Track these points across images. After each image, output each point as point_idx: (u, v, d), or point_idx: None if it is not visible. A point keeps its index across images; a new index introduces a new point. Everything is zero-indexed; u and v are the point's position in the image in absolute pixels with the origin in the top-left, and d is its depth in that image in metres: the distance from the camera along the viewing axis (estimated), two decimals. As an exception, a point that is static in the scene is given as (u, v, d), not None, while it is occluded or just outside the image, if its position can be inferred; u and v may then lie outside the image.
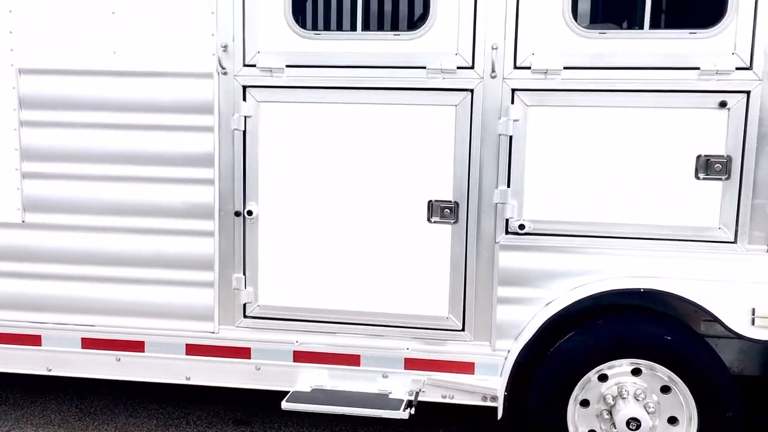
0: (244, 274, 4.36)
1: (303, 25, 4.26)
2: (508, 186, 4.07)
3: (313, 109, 4.18)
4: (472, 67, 4.04)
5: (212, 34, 4.22)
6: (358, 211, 4.22)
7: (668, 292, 3.92)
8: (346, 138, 4.18)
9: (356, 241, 4.23)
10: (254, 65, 4.21)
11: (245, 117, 4.24)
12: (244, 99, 4.23)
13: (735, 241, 3.95)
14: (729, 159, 3.86)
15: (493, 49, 3.98)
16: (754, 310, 3.90)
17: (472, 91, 4.04)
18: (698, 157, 3.91)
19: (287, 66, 4.18)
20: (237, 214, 4.31)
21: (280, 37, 4.17)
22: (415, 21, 4.20)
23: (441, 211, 4.14)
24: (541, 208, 4.07)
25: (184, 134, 4.28)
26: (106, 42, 4.31)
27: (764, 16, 3.79)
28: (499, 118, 4.04)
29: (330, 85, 4.17)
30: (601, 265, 4.00)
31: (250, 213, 4.27)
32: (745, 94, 3.84)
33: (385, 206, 4.19)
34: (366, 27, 4.21)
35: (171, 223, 4.37)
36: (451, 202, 4.13)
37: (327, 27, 4.71)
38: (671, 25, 3.90)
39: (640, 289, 3.97)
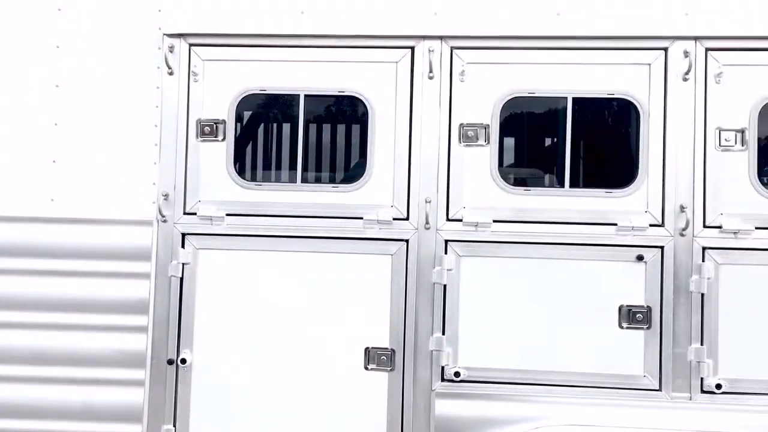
0: (175, 426, 3.83)
1: (244, 176, 3.99)
2: (443, 333, 3.82)
3: (252, 256, 3.90)
4: (407, 219, 3.82)
5: (153, 183, 3.89)
6: (295, 359, 3.92)
7: (600, 441, 3.62)
8: (284, 285, 3.91)
9: (293, 389, 3.89)
10: (194, 213, 3.87)
11: (183, 264, 3.85)
12: (183, 246, 3.85)
13: (660, 389, 3.68)
14: (649, 309, 3.71)
15: (426, 202, 3.80)
16: (682, 458, 3.63)
17: (407, 241, 3.82)
18: (620, 307, 3.73)
19: (227, 215, 3.86)
20: (170, 362, 3.87)
21: (221, 187, 3.93)
22: (353, 174, 4.01)
23: (378, 358, 3.79)
24: (476, 356, 3.83)
25: (120, 281, 3.85)
26: (44, 189, 3.88)
27: (671, 179, 3.74)
28: (434, 268, 3.80)
29: (269, 233, 3.89)
30: (538, 413, 3.72)
31: (183, 361, 3.84)
32: (660, 249, 3.71)
33: (322, 353, 3.89)
34: (305, 179, 3.98)
35: (101, 372, 3.83)
36: (387, 349, 3.83)
37: (267, 178, 4.47)
38: (591, 184, 3.82)
39: None
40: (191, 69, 4.04)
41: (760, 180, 3.84)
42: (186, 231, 4.00)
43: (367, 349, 3.93)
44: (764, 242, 3.82)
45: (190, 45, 4.06)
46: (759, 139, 3.85)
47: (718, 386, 3.77)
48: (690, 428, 3.73)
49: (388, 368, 3.91)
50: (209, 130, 4.02)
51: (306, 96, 4.04)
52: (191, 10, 4.06)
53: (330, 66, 4.03)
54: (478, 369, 3.90)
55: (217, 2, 4.07)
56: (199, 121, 4.03)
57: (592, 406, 3.79)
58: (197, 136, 4.03)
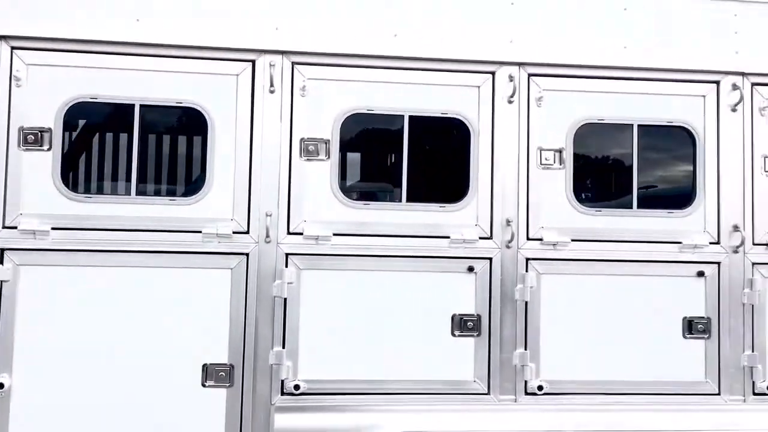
0: (-10, 456, 3.34)
1: (74, 188, 3.56)
2: (283, 347, 3.61)
3: (80, 272, 3.55)
4: (248, 232, 3.58)
5: (-32, 194, 3.39)
6: (127, 379, 3.59)
7: (436, 445, 3.54)
8: (116, 302, 3.61)
9: (125, 410, 3.59)
10: (15, 227, 3.40)
11: (2, 281, 3.36)
12: (1, 262, 3.36)
13: (489, 393, 3.66)
14: (479, 317, 3.67)
15: (267, 215, 3.56)
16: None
17: (247, 255, 3.56)
18: (453, 316, 3.67)
19: (53, 228, 3.43)
20: (-15, 387, 3.34)
21: (47, 199, 3.51)
22: (194, 188, 3.70)
23: (216, 374, 3.50)
24: (315, 368, 3.70)
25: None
26: None
27: (499, 195, 3.77)
28: (274, 281, 3.57)
29: (100, 248, 3.50)
30: (376, 422, 3.60)
31: (1, 386, 3.31)
32: (488, 261, 3.70)
33: (158, 371, 3.58)
34: (142, 192, 3.61)
35: None
36: (226, 365, 3.54)
37: (101, 190, 4.04)
38: (427, 199, 3.74)
39: None
40: (13, 73, 3.56)
41: (576, 196, 3.92)
42: (5, 246, 3.53)
43: (205, 365, 3.64)
44: (579, 253, 3.90)
45: (12, 48, 3.58)
46: (575, 159, 3.93)
47: (540, 388, 3.80)
48: (515, 428, 3.71)
49: (227, 384, 3.64)
50: (33, 138, 3.58)
51: (142, 106, 3.67)
52: (13, 10, 3.56)
53: (168, 76, 3.72)
54: (317, 381, 3.75)
55: (45, 3, 3.60)
56: (21, 129, 3.56)
57: (425, 412, 3.71)
58: (19, 145, 3.55)
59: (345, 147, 4.04)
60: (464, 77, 3.94)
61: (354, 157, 4.34)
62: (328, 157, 3.82)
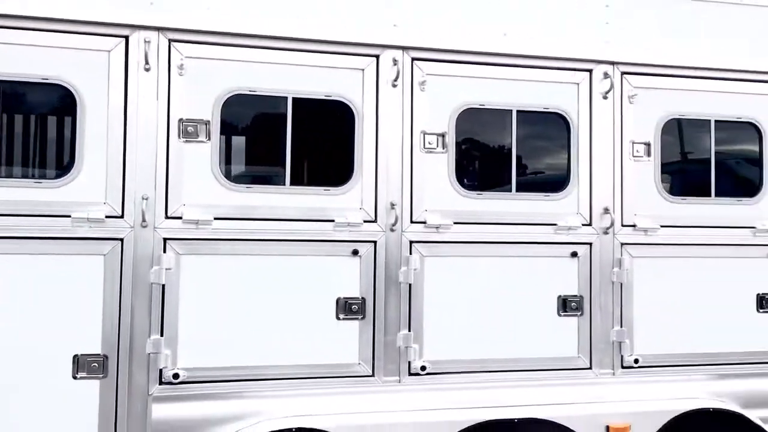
0: None
1: None
2: (162, 335, 3.45)
3: None
4: (122, 217, 3.39)
5: None
6: None
7: (318, 429, 3.46)
8: None
9: None
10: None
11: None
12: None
13: (373, 375, 3.68)
14: (363, 300, 3.66)
15: (143, 199, 3.38)
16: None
17: (122, 240, 3.38)
18: (338, 299, 3.63)
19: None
20: None
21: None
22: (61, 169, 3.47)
23: (88, 365, 3.32)
24: (196, 356, 3.60)
25: None
26: None
27: (383, 178, 3.73)
28: (152, 267, 3.40)
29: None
30: (259, 408, 3.50)
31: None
32: (373, 244, 3.68)
33: (25, 364, 3.34)
34: (9, 174, 3.37)
35: None
36: (99, 355, 3.37)
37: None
38: (312, 182, 3.67)
39: (291, 428, 3.48)
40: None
41: (460, 180, 3.95)
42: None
43: (76, 356, 3.43)
44: (462, 236, 3.95)
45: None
46: (457, 143, 3.97)
47: (423, 368, 3.83)
48: (399, 409, 3.74)
49: (100, 375, 3.44)
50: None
51: (2, 82, 3.40)
52: None
53: (33, 51, 3.44)
54: (198, 369, 3.64)
55: None
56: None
57: (310, 396, 3.66)
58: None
59: (229, 130, 3.91)
60: (348, 60, 3.89)
61: (240, 140, 4.20)
62: (209, 139, 3.67)
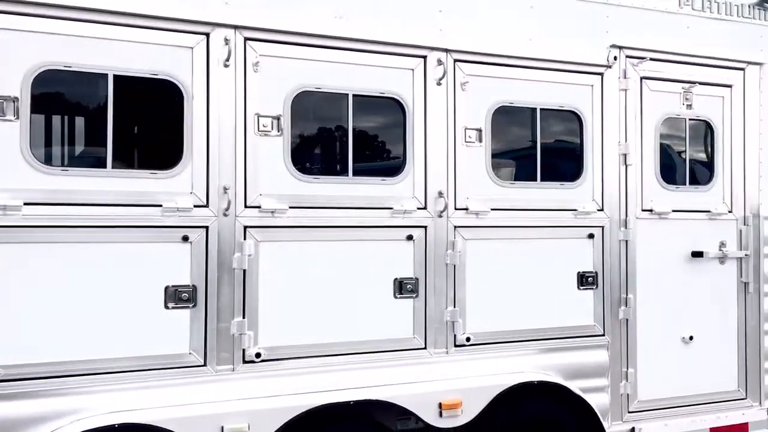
0: None
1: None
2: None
3: None
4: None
5: None
6: None
7: (142, 424, 3.29)
8: None
9: None
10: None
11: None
12: None
13: (205, 365, 3.50)
14: (194, 288, 3.51)
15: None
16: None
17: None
18: (166, 288, 3.48)
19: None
20: None
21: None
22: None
23: None
24: (18, 352, 3.32)
25: None
26: None
27: (215, 161, 3.58)
28: None
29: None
30: (81, 405, 3.28)
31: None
32: (204, 229, 3.53)
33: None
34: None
35: None
36: None
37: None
38: (137, 165, 3.46)
39: (114, 425, 3.38)
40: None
41: (299, 164, 3.93)
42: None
43: None
44: (298, 220, 3.91)
45: None
46: (293, 126, 3.91)
47: (258, 355, 3.74)
48: (232, 398, 3.61)
49: None
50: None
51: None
52: None
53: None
54: (17, 366, 3.34)
55: None
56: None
57: (137, 389, 3.46)
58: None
59: (41, 108, 3.59)
60: (176, 37, 3.67)
61: (55, 120, 3.86)
62: (17, 118, 3.34)
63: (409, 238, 4.19)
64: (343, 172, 4.07)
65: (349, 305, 4.04)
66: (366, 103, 4.15)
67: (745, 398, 5.19)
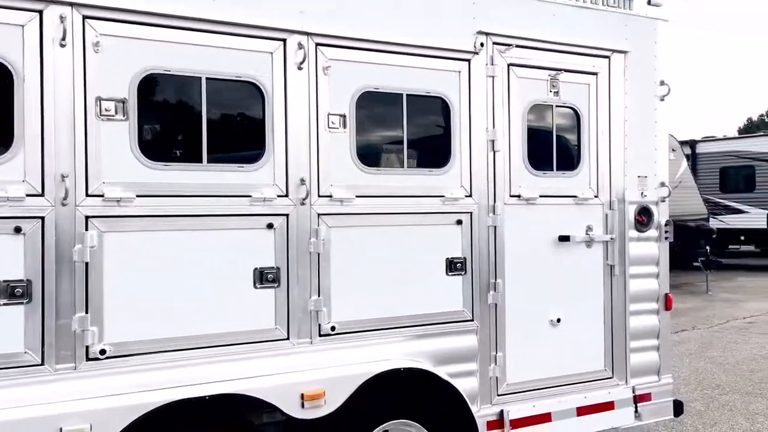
0: None
1: None
2: None
3: None
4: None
5: None
6: None
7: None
8: None
9: None
10: None
11: None
12: None
13: (43, 363, 3.30)
14: (29, 282, 3.27)
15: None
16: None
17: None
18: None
19: None
20: None
21: None
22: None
23: None
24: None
25: None
26: None
27: (50, 147, 3.36)
28: None
29: None
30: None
31: None
32: (40, 220, 3.29)
33: None
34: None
35: None
36: None
37: None
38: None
39: None
40: None
41: (143, 151, 3.74)
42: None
43: None
44: (147, 209, 3.73)
45: None
46: (141, 110, 3.74)
47: (103, 352, 3.55)
48: (74, 397, 3.45)
49: None
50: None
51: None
52: None
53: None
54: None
55: None
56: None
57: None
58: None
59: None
60: (6, 15, 3.41)
61: None
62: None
63: (270, 226, 4.06)
64: (197, 158, 3.90)
65: (205, 297, 3.89)
66: (222, 87, 3.98)
67: (612, 377, 5.33)
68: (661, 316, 5.57)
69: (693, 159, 22.78)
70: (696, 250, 17.37)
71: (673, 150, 18.88)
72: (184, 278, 3.83)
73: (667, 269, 5.63)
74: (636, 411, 5.38)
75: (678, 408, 5.63)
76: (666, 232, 5.56)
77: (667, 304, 5.58)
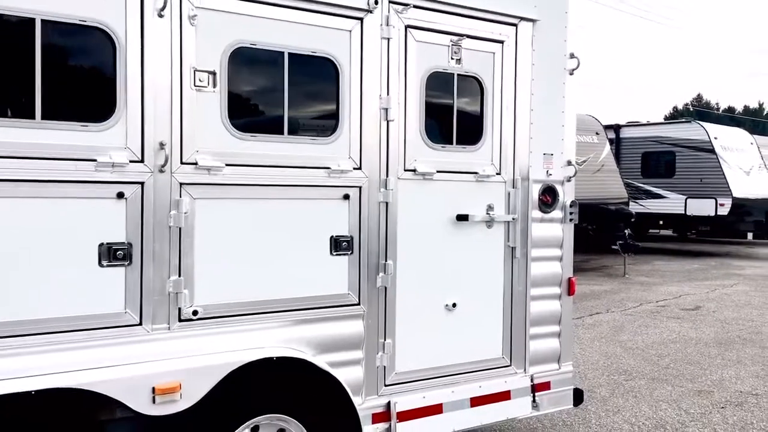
0: None
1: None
2: None
3: None
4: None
5: None
6: None
7: None
8: None
9: None
10: None
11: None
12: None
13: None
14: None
15: None
16: None
17: None
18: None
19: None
20: None
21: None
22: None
23: None
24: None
25: None
26: None
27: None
28: None
29: None
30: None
31: None
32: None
33: None
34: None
35: None
36: None
37: None
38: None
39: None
40: None
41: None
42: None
43: None
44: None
45: None
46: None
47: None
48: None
49: None
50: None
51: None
52: None
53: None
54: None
55: None
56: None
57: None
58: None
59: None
60: None
61: None
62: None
63: (120, 196, 3.54)
64: (30, 115, 3.33)
65: (41, 277, 3.35)
66: (66, 33, 3.41)
67: (510, 365, 5.04)
68: (564, 302, 5.31)
69: (617, 143, 23.05)
70: (615, 234, 17.51)
71: (597, 133, 19.02)
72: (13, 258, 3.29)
73: (572, 252, 5.36)
74: (534, 401, 5.12)
75: (578, 397, 5.40)
76: (571, 213, 5.28)
77: (570, 289, 5.32)
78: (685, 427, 6.32)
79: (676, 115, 57.36)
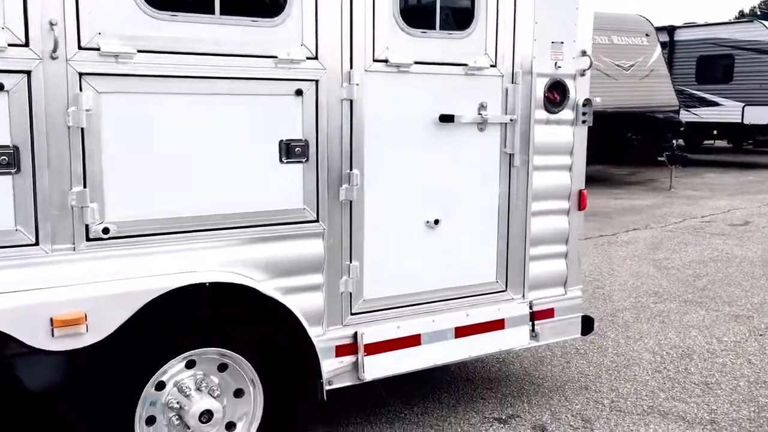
0: None
1: None
2: None
3: None
4: None
5: None
6: None
7: None
8: None
9: None
10: None
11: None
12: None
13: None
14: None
15: None
16: None
17: None
18: None
19: None
20: None
21: None
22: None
23: None
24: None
25: None
26: None
27: None
28: None
29: None
30: None
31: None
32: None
33: None
34: None
35: None
36: None
37: None
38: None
39: None
40: None
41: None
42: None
43: None
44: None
45: None
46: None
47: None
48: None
49: None
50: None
51: None
52: None
53: None
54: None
55: None
56: None
57: None
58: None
59: None
60: None
61: None
62: None
63: (1, 88, 2.88)
64: None
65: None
66: None
67: (505, 290, 4.35)
68: (573, 217, 4.55)
69: (670, 47, 21.36)
70: (662, 144, 16.32)
71: (646, 35, 17.50)
72: None
73: (584, 160, 4.55)
74: (533, 330, 4.45)
75: (587, 325, 4.72)
76: (584, 114, 4.43)
77: (581, 203, 4.54)
78: (714, 356, 5.60)
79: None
